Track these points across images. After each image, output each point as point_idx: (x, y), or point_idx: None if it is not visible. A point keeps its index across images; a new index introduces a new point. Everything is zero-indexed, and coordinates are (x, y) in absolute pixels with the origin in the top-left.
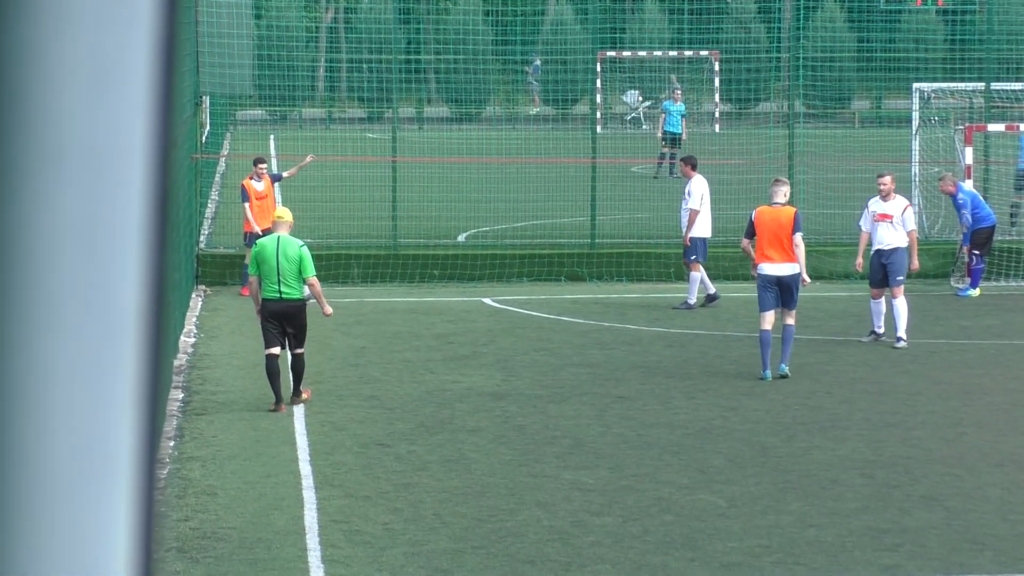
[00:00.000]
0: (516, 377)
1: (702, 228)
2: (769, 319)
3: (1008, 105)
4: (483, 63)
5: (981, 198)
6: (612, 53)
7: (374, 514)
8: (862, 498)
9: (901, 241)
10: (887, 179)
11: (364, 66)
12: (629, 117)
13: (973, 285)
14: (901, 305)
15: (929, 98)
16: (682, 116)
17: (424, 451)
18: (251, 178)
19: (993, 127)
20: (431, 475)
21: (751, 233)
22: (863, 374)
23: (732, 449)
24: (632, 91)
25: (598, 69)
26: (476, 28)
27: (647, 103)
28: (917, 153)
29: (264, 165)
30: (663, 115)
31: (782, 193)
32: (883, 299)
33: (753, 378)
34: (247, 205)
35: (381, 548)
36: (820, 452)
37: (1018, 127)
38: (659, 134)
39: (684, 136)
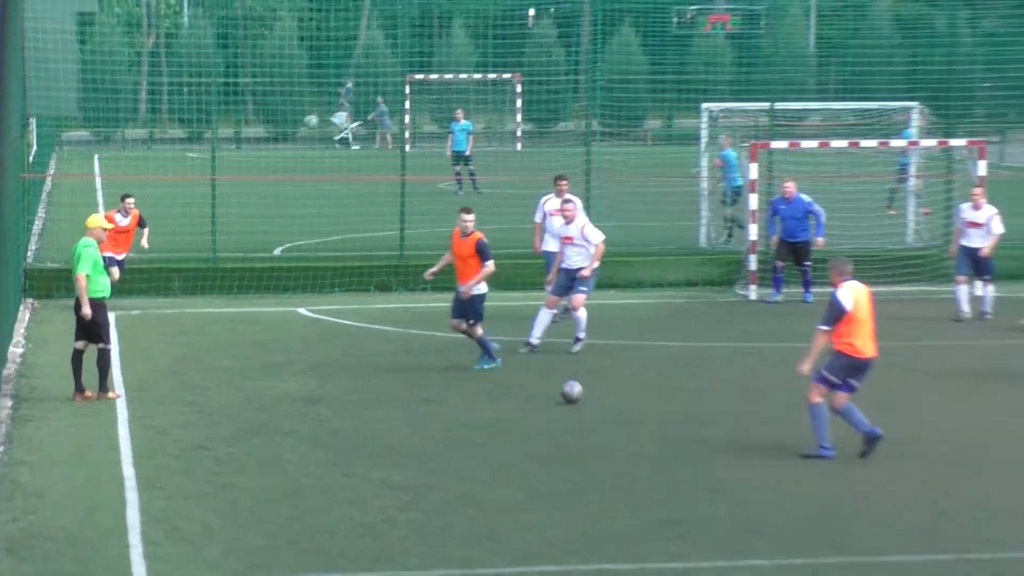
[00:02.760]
0: (330, 383)
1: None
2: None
3: (791, 123)
4: (298, 85)
5: None
6: (420, 76)
7: (194, 513)
8: (652, 491)
9: (986, 242)
10: (979, 194)
11: (184, 89)
12: (338, 137)
13: (777, 291)
14: (989, 292)
15: (717, 117)
16: (468, 134)
17: (242, 454)
18: (117, 212)
19: (776, 144)
20: (249, 476)
21: (836, 320)
22: (653, 375)
23: (532, 447)
24: (340, 112)
25: (407, 91)
26: (292, 52)
27: (356, 123)
28: (706, 169)
29: (131, 200)
30: (451, 135)
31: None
32: (966, 286)
33: (558, 379)
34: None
35: (200, 545)
36: (614, 449)
37: (800, 144)
38: (448, 153)
39: (469, 152)
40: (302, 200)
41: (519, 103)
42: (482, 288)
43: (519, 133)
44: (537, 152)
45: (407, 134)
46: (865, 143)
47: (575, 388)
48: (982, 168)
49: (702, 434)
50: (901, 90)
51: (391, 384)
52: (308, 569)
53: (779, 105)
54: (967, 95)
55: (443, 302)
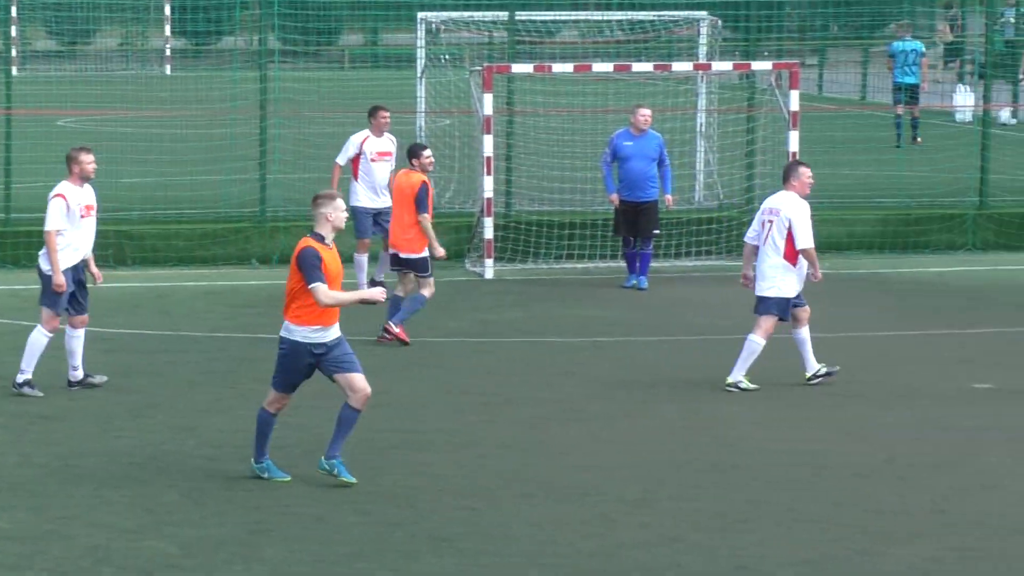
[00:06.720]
0: None
1: None
2: None
3: (538, 40)
4: None
5: None
6: None
7: None
8: (355, 540)
9: None
10: None
11: None
12: None
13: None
14: None
15: (438, 31)
16: None
17: None
18: None
19: (519, 68)
20: None
21: None
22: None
23: (189, 481)
24: None
25: None
26: None
27: None
28: (424, 101)
29: None
30: None
31: None
32: None
33: (221, 387)
34: None
35: None
36: (303, 483)
37: (551, 68)
38: None
39: None
40: None
41: (168, 10)
42: None
43: (168, 52)
44: (194, 76)
45: (13, 52)
46: (638, 67)
47: None
48: (794, 100)
49: (421, 461)
50: None
51: None
52: None
53: (521, 15)
54: (773, 2)
55: None
